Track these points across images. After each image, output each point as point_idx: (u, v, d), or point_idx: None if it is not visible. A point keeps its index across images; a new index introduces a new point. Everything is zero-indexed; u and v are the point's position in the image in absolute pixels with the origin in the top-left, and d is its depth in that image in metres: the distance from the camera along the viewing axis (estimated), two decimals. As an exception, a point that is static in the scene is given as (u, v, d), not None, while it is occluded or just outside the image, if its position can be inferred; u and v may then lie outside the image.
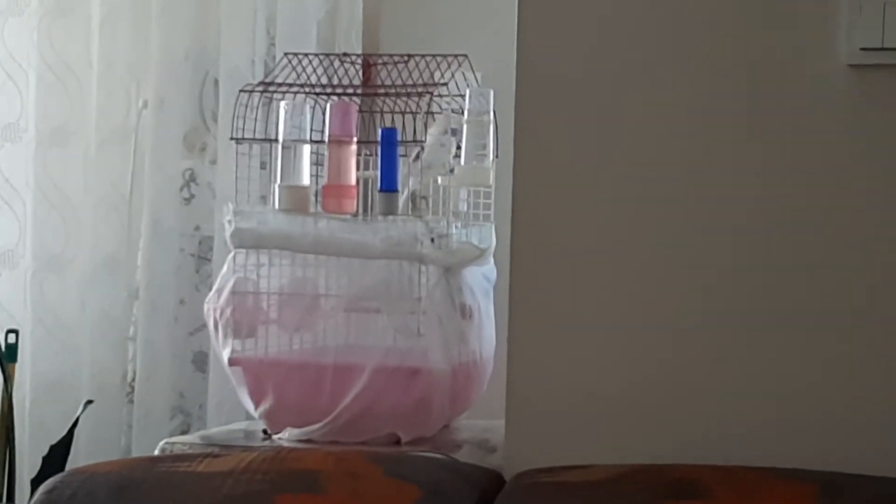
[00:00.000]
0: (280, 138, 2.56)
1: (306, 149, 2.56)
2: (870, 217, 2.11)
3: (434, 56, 2.67)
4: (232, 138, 2.65)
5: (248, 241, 2.54)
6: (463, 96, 2.60)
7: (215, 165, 3.26)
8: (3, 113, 3.34)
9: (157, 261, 3.28)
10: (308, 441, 2.50)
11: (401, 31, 3.17)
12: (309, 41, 3.16)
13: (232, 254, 2.57)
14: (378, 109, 2.68)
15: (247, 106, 2.62)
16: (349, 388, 2.48)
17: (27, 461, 3.20)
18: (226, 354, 2.57)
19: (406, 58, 2.70)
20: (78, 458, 3.12)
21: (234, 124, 2.63)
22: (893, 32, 2.06)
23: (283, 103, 2.57)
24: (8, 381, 3.07)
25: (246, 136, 2.65)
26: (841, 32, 2.09)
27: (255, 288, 2.55)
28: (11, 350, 3.13)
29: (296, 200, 2.54)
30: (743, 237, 2.14)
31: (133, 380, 3.30)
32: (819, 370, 2.12)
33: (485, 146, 2.57)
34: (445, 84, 2.62)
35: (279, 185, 2.56)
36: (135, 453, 3.21)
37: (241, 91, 2.65)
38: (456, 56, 2.66)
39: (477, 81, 2.66)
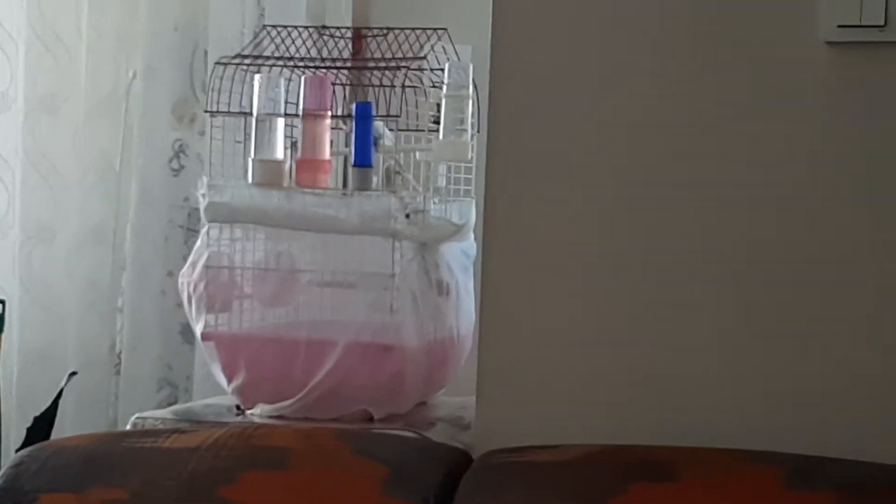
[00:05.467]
0: (254, 112, 2.54)
1: (280, 122, 2.54)
2: (847, 194, 2.08)
3: (413, 29, 2.65)
4: (206, 111, 2.63)
5: (222, 215, 2.53)
6: (442, 70, 2.58)
7: (204, 137, 3.22)
8: (-8, 82, 3.34)
9: (146, 232, 3.27)
10: (280, 417, 2.49)
11: (391, 4, 3.14)
12: (299, 13, 3.13)
13: (206, 228, 2.56)
14: (357, 83, 2.66)
15: (221, 78, 2.60)
16: (322, 364, 2.47)
17: (14, 432, 3.20)
18: (199, 329, 2.56)
19: (385, 31, 2.68)
20: (64, 429, 3.12)
21: (209, 97, 2.61)
22: (871, 9, 2.03)
23: (257, 76, 2.55)
24: (-5, 350, 3.08)
25: (224, 109, 2.62)
26: (819, 9, 2.06)
27: (228, 262, 2.54)
28: (-2, 320, 3.13)
29: (269, 174, 2.53)
30: (718, 215, 2.12)
31: (120, 351, 3.29)
32: (791, 353, 2.10)
33: (463, 121, 2.55)
34: (424, 58, 2.59)
35: (253, 159, 2.54)
36: (121, 425, 3.20)
37: (216, 63, 2.63)
38: (435, 30, 2.64)
39: (457, 55, 2.64)
